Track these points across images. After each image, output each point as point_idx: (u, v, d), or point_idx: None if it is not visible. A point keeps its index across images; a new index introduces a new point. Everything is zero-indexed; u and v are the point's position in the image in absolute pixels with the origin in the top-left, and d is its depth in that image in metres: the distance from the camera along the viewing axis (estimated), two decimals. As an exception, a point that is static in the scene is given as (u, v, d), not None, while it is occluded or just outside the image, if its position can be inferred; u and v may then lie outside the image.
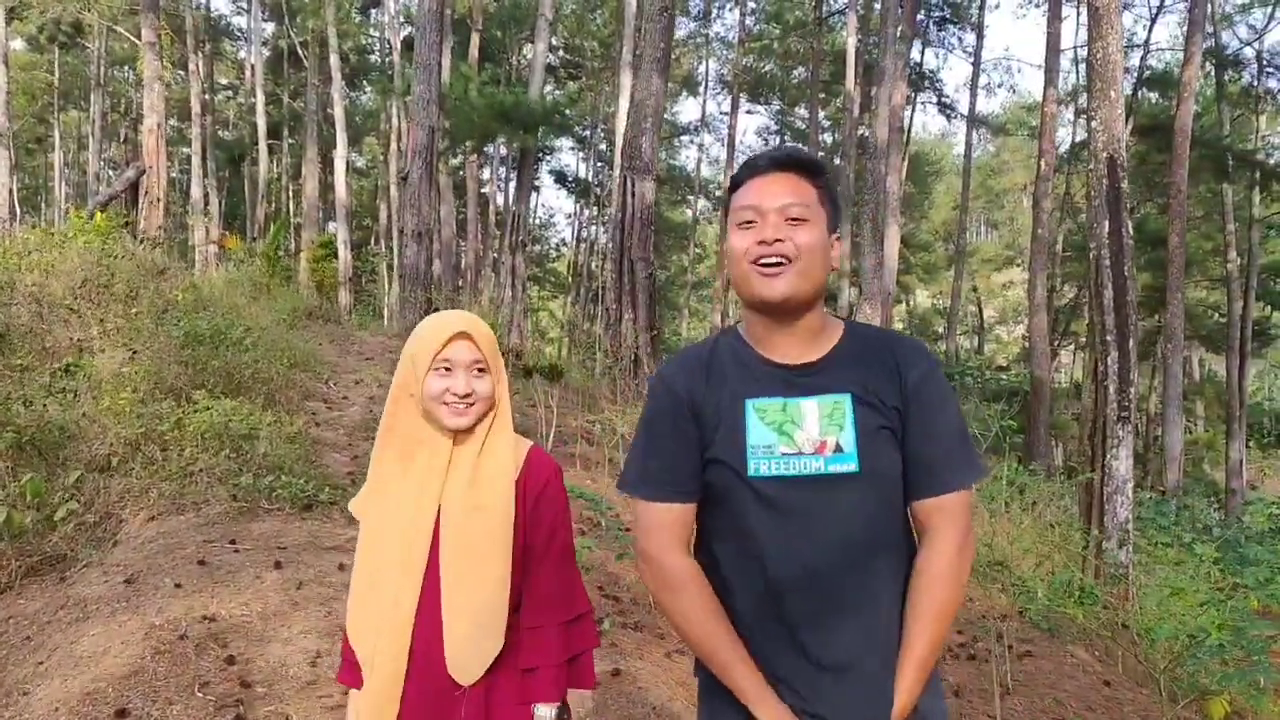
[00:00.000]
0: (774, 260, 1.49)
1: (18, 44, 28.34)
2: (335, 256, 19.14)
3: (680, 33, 33.55)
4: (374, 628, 1.63)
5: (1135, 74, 20.77)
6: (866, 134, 17.99)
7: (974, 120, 23.67)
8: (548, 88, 25.05)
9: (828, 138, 31.51)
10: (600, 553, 5.38)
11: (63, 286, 6.90)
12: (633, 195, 9.78)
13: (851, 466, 1.49)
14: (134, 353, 6.01)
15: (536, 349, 14.88)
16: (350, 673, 1.69)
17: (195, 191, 24.05)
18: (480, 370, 1.66)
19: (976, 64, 23.34)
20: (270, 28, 30.49)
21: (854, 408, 1.51)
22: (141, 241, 10.73)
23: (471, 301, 22.01)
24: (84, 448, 5.31)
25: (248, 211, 28.09)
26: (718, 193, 32.86)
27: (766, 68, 31.07)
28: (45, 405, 5.27)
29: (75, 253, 8.13)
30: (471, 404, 1.65)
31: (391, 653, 1.61)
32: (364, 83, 31.26)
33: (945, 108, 27.10)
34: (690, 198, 35.42)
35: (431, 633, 1.61)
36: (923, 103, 27.50)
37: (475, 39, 21.67)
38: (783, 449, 1.50)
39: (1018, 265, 38.89)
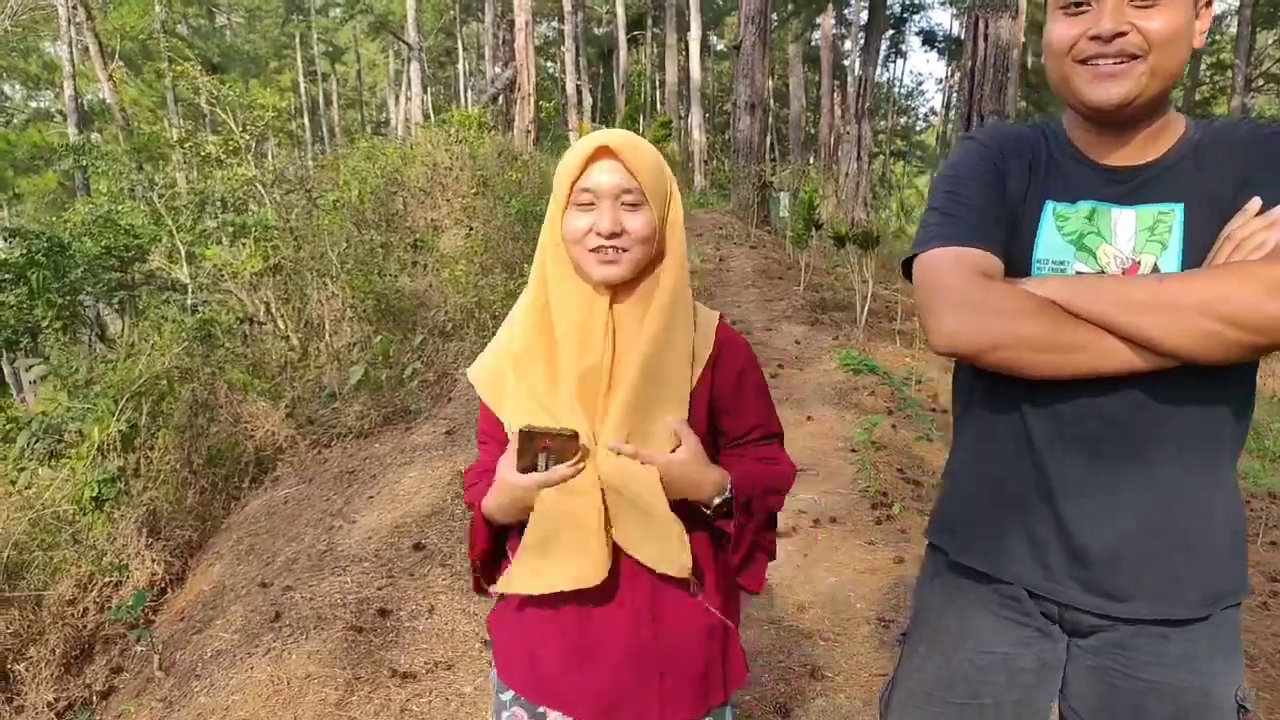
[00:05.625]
0: (1112, 60, 1.14)
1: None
2: (672, 136, 19.47)
3: None
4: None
5: None
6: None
7: None
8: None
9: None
10: (903, 433, 4.96)
11: (423, 174, 7.71)
12: (985, 38, 8.43)
13: None
14: (470, 229, 6.57)
15: (883, 223, 14.01)
16: None
17: (570, 86, 25.81)
18: (632, 203, 1.24)
19: None
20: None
21: (1185, 221, 1.15)
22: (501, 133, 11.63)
23: (824, 176, 21.35)
24: (428, 314, 5.95)
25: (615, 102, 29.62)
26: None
27: None
28: (396, 276, 5.95)
29: (443, 146, 9.04)
30: (624, 249, 1.24)
31: None
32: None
33: None
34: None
35: None
36: None
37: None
38: (1077, 266, 1.18)
39: None
